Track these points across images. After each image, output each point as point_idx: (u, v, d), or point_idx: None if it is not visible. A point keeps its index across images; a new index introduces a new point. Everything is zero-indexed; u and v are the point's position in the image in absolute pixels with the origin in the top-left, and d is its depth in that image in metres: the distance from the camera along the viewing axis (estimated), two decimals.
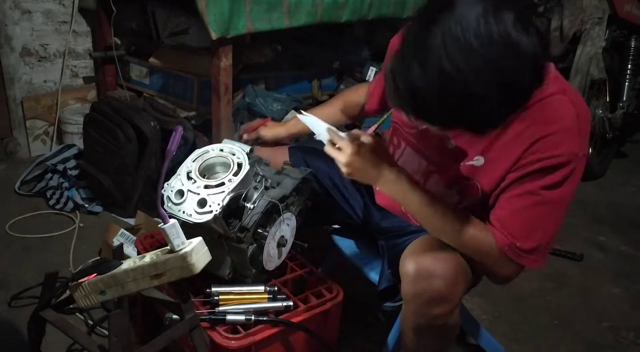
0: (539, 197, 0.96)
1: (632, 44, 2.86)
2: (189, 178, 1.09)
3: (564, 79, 1.00)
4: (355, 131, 1.01)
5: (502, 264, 1.00)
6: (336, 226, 1.47)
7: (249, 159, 1.12)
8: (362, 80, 2.64)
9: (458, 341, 1.57)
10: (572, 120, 0.94)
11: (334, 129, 1.02)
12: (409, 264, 1.01)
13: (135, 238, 1.61)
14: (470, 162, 1.05)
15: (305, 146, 1.44)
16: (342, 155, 0.99)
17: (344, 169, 1.00)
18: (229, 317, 1.06)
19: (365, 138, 0.99)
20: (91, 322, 1.46)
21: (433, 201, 1.00)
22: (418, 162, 1.15)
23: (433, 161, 1.13)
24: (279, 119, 2.33)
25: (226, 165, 1.12)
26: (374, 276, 1.27)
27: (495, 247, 0.98)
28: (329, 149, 1.01)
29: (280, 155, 1.35)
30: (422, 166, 1.15)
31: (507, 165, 0.98)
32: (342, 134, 1.01)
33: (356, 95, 1.41)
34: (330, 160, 1.03)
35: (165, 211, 1.01)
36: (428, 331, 1.04)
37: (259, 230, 1.11)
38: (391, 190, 1.02)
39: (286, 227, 1.18)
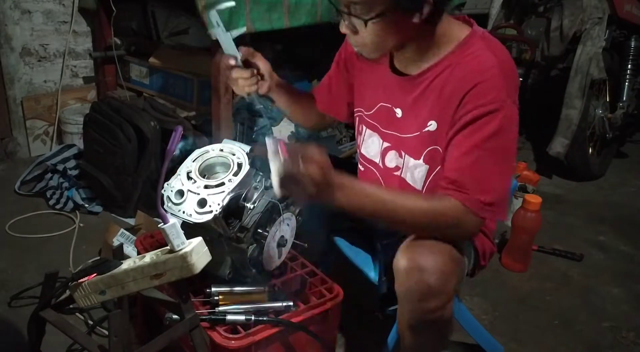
0: (481, 149, 0.99)
1: (632, 44, 2.86)
2: (189, 178, 1.09)
3: (488, 34, 1.09)
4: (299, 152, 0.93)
5: (467, 221, 1.01)
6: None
7: (249, 159, 1.12)
8: None
9: (458, 341, 1.57)
10: (495, 69, 1.00)
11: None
12: (401, 260, 1.02)
13: (135, 238, 1.61)
14: (426, 129, 1.10)
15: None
16: (302, 191, 0.92)
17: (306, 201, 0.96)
18: (229, 317, 1.06)
19: (314, 165, 0.92)
20: (91, 322, 1.46)
21: (383, 197, 1.00)
22: (377, 142, 1.22)
23: (388, 137, 1.19)
24: (278, 119, 2.34)
25: (226, 165, 1.11)
26: (374, 276, 1.27)
27: (458, 209, 0.99)
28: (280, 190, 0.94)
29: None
30: (380, 145, 1.21)
31: (448, 124, 1.05)
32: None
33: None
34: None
35: (165, 211, 1.01)
36: (424, 326, 1.05)
37: (259, 230, 1.11)
38: (343, 200, 0.98)
39: (286, 227, 1.18)
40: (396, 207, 0.99)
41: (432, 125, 1.09)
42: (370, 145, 1.24)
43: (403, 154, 1.16)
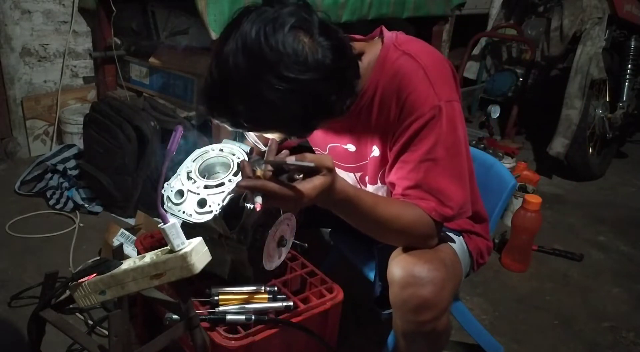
0: (431, 162, 0.99)
1: (632, 44, 2.86)
2: (189, 178, 1.09)
3: (403, 37, 1.06)
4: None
5: (433, 230, 1.02)
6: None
7: (249, 159, 1.12)
8: None
9: (458, 341, 1.57)
10: (419, 77, 0.98)
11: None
12: (396, 270, 1.00)
13: (135, 238, 1.61)
14: (372, 155, 1.11)
15: (306, 146, 1.44)
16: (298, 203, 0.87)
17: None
18: (229, 317, 1.06)
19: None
20: (91, 322, 1.46)
21: (376, 205, 0.98)
22: (350, 176, 1.22)
23: (356, 169, 1.20)
24: None
25: (226, 165, 1.11)
26: (373, 276, 1.27)
27: (428, 219, 1.00)
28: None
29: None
30: (353, 179, 1.22)
31: (389, 143, 1.05)
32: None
33: None
34: None
35: (165, 211, 1.01)
36: (418, 337, 1.03)
37: (259, 230, 1.11)
38: (340, 212, 0.97)
39: (286, 227, 1.18)
40: (382, 220, 0.98)
41: (375, 151, 1.11)
42: (346, 178, 1.23)
43: (366, 178, 1.19)
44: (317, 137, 1.23)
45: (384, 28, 1.09)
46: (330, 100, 0.93)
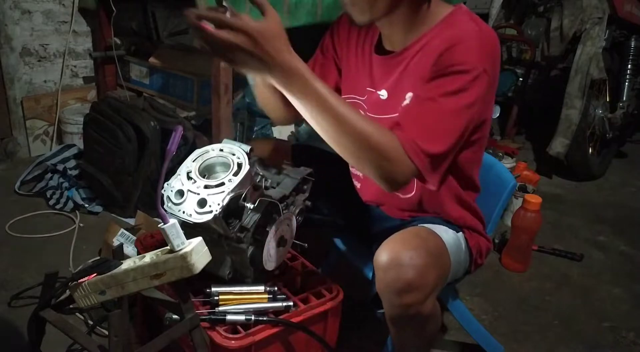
0: (436, 102, 0.97)
1: (632, 44, 2.86)
2: (189, 178, 1.09)
3: (474, 14, 1.07)
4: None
5: (399, 160, 0.95)
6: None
7: (249, 159, 1.12)
8: None
9: (458, 341, 1.57)
10: (472, 35, 0.99)
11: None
12: (381, 255, 1.02)
13: (135, 238, 1.61)
14: (404, 103, 1.09)
15: (307, 144, 1.44)
16: (237, 36, 0.84)
17: (232, 56, 0.87)
18: (229, 317, 1.06)
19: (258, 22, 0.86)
20: (91, 322, 1.46)
21: (335, 97, 0.93)
22: None
23: (382, 122, 1.15)
24: None
25: (226, 165, 1.11)
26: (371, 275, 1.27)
27: (394, 144, 0.94)
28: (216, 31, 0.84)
29: (281, 155, 1.35)
30: None
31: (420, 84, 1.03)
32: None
33: None
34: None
35: (165, 211, 1.01)
36: (404, 322, 1.05)
37: (259, 230, 1.11)
38: (286, 82, 0.91)
39: (286, 227, 1.18)
40: (343, 119, 0.92)
41: (407, 99, 1.09)
42: None
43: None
44: (357, 84, 1.22)
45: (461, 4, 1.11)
46: None
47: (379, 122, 0.97)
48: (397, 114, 1.09)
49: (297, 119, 1.28)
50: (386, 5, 1.04)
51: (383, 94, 1.15)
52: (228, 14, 0.87)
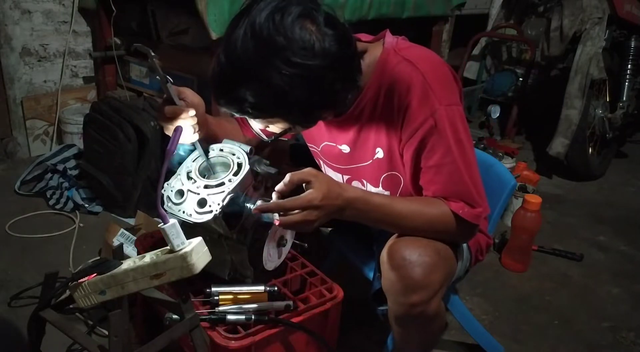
0: (447, 165, 1.01)
1: (632, 44, 2.86)
2: (189, 178, 1.09)
3: (403, 43, 1.07)
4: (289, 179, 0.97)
5: (465, 230, 1.06)
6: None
7: (249, 159, 1.12)
8: None
9: (458, 341, 1.57)
10: (418, 83, 0.99)
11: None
12: (388, 253, 1.03)
13: (135, 238, 1.61)
14: (375, 157, 1.12)
15: (306, 145, 1.44)
16: (307, 213, 0.95)
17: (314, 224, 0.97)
18: (229, 317, 1.06)
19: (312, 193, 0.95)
20: (91, 322, 1.46)
21: (392, 204, 1.03)
22: (338, 176, 1.23)
23: (346, 171, 1.21)
24: None
25: (226, 165, 1.11)
26: (373, 272, 1.27)
27: (453, 217, 1.03)
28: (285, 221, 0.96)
29: (280, 155, 1.35)
30: (341, 179, 1.22)
31: (397, 145, 1.07)
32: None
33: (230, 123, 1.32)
34: None
35: (165, 211, 1.01)
36: (409, 321, 1.06)
37: (259, 230, 1.11)
38: (353, 217, 1.02)
39: None
40: (402, 215, 1.03)
41: (379, 153, 1.11)
42: (334, 177, 1.24)
43: (364, 182, 1.19)
44: (314, 134, 1.23)
45: (388, 32, 1.10)
46: (335, 89, 0.96)
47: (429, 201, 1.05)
48: (368, 163, 1.15)
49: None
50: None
51: (345, 148, 1.17)
52: (172, 89, 0.99)
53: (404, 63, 1.02)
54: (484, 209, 1.05)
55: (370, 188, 1.18)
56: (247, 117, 1.02)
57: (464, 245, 1.20)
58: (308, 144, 1.29)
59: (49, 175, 2.20)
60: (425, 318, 1.04)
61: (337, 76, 0.94)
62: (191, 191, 1.06)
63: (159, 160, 2.04)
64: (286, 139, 1.48)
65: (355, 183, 1.21)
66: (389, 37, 1.08)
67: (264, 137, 1.12)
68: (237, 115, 1.00)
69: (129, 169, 2.04)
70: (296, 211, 0.94)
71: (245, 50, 0.89)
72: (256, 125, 1.06)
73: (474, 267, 1.28)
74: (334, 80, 0.94)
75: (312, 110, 0.98)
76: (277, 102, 0.92)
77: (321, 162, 1.28)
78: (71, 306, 0.94)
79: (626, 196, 2.80)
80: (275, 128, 1.04)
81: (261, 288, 1.14)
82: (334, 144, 1.19)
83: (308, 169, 0.96)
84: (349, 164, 1.19)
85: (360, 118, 1.09)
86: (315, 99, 0.94)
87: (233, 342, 1.02)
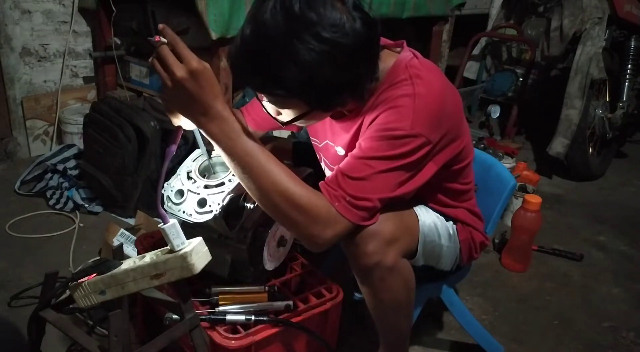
0: (369, 164, 0.97)
1: (632, 44, 2.86)
2: (189, 178, 1.09)
3: (418, 62, 1.04)
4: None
5: (332, 223, 0.95)
6: None
7: None
8: None
9: (458, 341, 1.57)
10: (406, 99, 0.98)
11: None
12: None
13: (135, 238, 1.61)
14: None
15: (308, 143, 1.44)
16: (177, 68, 0.84)
17: (170, 93, 0.86)
18: (229, 317, 1.06)
19: (200, 63, 0.86)
20: (91, 322, 1.46)
21: (265, 155, 0.93)
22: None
23: None
24: None
25: (226, 166, 1.11)
26: None
27: (327, 206, 0.95)
28: (154, 62, 0.85)
29: (281, 154, 1.35)
30: None
31: None
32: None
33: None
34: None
35: (165, 210, 1.01)
36: (369, 275, 1.06)
37: (259, 230, 1.11)
38: (215, 130, 0.90)
39: None
40: (267, 179, 0.92)
41: None
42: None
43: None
44: (318, 129, 1.23)
45: (405, 44, 1.09)
46: (359, 73, 0.95)
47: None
48: None
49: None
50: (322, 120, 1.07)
51: (340, 150, 1.17)
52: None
53: (406, 83, 1.00)
54: (362, 216, 0.98)
55: None
56: (264, 97, 0.99)
57: (450, 233, 1.20)
58: (311, 138, 1.28)
59: (49, 175, 2.20)
60: (384, 271, 1.04)
61: (363, 59, 0.94)
62: (191, 191, 1.06)
63: (159, 160, 2.04)
64: (291, 133, 1.47)
65: None
66: (405, 51, 1.07)
67: (276, 122, 1.08)
68: (254, 92, 0.98)
69: (129, 169, 2.04)
70: (171, 61, 0.83)
71: (274, 22, 0.87)
72: (270, 107, 1.03)
73: (473, 267, 1.29)
74: (360, 63, 0.94)
75: (334, 93, 0.96)
76: (301, 79, 0.90)
77: (321, 156, 1.28)
78: (71, 306, 0.94)
79: (626, 196, 2.80)
80: (287, 115, 1.02)
81: (261, 288, 1.14)
82: (333, 144, 1.19)
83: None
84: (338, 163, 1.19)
85: (358, 123, 1.09)
86: (339, 80, 0.93)
87: (233, 342, 1.02)
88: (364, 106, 1.06)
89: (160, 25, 0.84)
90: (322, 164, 1.29)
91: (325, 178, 1.00)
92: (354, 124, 1.10)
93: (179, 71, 0.84)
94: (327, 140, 1.22)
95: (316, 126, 1.22)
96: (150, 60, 0.86)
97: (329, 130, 1.20)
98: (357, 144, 1.02)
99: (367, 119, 1.05)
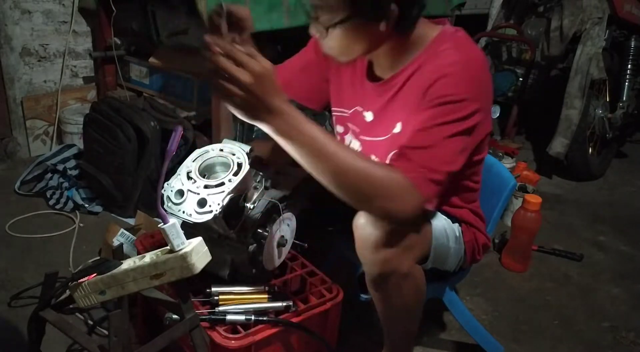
0: (433, 132, 0.97)
1: (632, 44, 2.86)
2: (189, 178, 1.09)
3: (462, 34, 1.07)
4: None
5: (406, 197, 0.95)
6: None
7: (248, 159, 1.12)
8: None
9: (458, 341, 1.57)
10: (458, 70, 0.99)
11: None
12: (359, 217, 1.04)
13: (135, 238, 1.61)
14: (393, 131, 1.10)
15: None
16: (244, 74, 0.83)
17: (243, 96, 0.85)
18: (229, 317, 1.06)
19: (265, 62, 0.85)
20: (91, 322, 1.46)
21: (331, 140, 0.92)
22: (355, 145, 1.22)
23: (364, 143, 1.19)
24: None
25: (226, 165, 1.11)
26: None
27: (401, 179, 0.94)
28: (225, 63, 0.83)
29: (281, 155, 1.35)
30: (358, 148, 1.21)
31: (411, 121, 1.03)
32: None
33: None
34: None
35: (165, 210, 1.01)
36: (383, 282, 1.06)
37: (259, 230, 1.11)
38: (282, 125, 0.89)
39: (286, 227, 1.18)
40: (339, 159, 0.91)
41: (397, 127, 1.10)
42: (352, 146, 1.24)
43: (374, 158, 1.16)
44: (346, 98, 1.23)
45: (448, 21, 1.12)
46: None
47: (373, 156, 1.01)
48: (384, 138, 1.12)
49: None
50: (363, 48, 1.06)
51: (368, 116, 1.17)
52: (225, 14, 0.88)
53: (454, 48, 1.03)
54: (439, 186, 0.98)
55: None
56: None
57: (457, 234, 1.20)
58: (333, 110, 1.27)
59: (49, 175, 2.20)
60: (398, 277, 1.04)
61: None
62: (191, 191, 1.06)
63: (159, 160, 2.04)
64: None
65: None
66: (450, 26, 1.10)
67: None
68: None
69: (129, 169, 2.04)
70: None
71: None
72: (316, 29, 1.02)
73: (473, 267, 1.29)
74: None
75: (385, 4, 0.97)
76: None
77: (348, 126, 1.24)
78: (71, 306, 0.94)
79: (626, 196, 2.80)
80: (332, 38, 1.02)
81: (261, 288, 1.14)
82: (362, 110, 1.18)
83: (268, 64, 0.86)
84: (368, 134, 1.18)
85: (393, 88, 1.10)
86: None
87: (233, 342, 1.02)
88: (402, 73, 1.08)
89: (208, 38, 0.83)
90: (347, 137, 1.25)
91: (389, 160, 1.01)
92: (390, 89, 1.10)
93: (245, 77, 0.83)
94: (356, 107, 1.20)
95: (345, 93, 1.22)
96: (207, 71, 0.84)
97: (360, 94, 1.19)
98: (413, 115, 1.01)
99: (409, 84, 1.06)
